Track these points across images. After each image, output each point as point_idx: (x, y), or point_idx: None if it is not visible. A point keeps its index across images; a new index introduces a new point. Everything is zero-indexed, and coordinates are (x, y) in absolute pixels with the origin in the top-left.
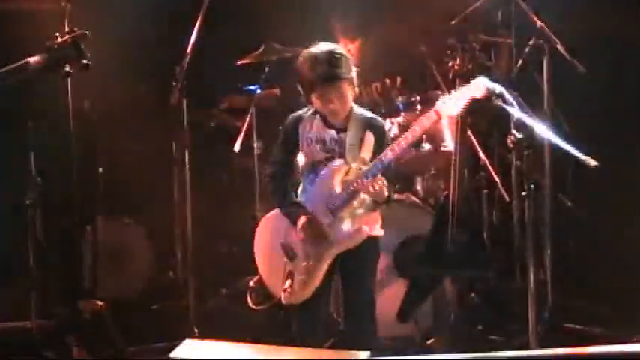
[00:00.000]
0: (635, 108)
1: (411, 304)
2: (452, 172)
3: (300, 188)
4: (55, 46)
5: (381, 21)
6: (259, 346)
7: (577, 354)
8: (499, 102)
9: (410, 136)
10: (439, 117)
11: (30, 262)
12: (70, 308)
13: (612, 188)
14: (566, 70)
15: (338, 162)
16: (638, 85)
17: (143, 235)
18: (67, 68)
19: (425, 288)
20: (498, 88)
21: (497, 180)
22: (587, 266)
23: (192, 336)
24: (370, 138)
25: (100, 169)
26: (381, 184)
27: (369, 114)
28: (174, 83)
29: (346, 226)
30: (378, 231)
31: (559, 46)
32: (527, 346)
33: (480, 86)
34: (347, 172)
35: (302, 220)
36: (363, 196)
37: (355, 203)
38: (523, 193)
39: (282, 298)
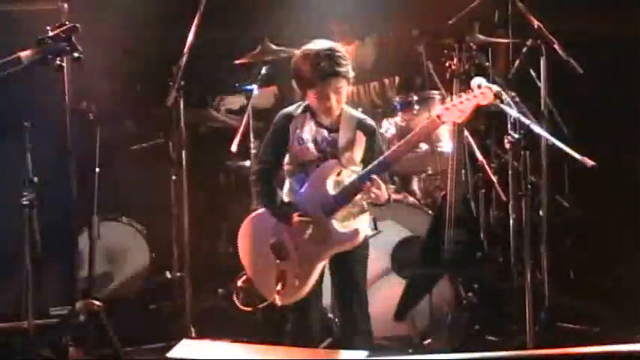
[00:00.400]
0: (632, 109)
1: (408, 304)
2: (449, 172)
3: (287, 188)
4: (47, 40)
5: (378, 21)
6: (255, 346)
7: (574, 354)
8: (497, 102)
9: (412, 139)
10: (443, 123)
11: (26, 262)
12: (66, 309)
13: (609, 188)
14: (564, 70)
15: (331, 162)
16: (635, 86)
17: (140, 235)
18: (59, 62)
19: (422, 288)
20: (495, 88)
21: (495, 180)
22: (584, 266)
23: (189, 336)
24: (361, 138)
25: (97, 169)
26: (383, 186)
27: (359, 114)
28: (171, 83)
29: (342, 227)
30: (368, 230)
31: (557, 47)
32: (524, 346)
33: (487, 93)
34: (339, 173)
35: (298, 220)
36: (357, 197)
37: (350, 204)
38: (520, 193)
39: (277, 300)
